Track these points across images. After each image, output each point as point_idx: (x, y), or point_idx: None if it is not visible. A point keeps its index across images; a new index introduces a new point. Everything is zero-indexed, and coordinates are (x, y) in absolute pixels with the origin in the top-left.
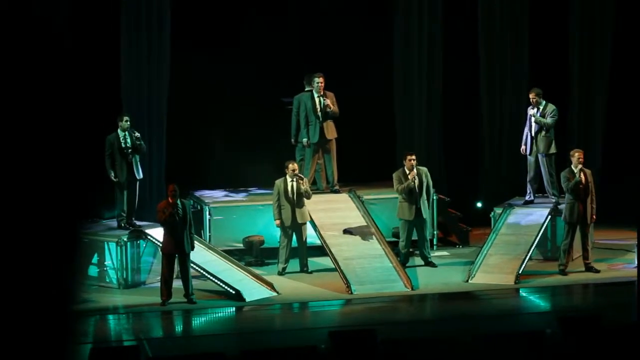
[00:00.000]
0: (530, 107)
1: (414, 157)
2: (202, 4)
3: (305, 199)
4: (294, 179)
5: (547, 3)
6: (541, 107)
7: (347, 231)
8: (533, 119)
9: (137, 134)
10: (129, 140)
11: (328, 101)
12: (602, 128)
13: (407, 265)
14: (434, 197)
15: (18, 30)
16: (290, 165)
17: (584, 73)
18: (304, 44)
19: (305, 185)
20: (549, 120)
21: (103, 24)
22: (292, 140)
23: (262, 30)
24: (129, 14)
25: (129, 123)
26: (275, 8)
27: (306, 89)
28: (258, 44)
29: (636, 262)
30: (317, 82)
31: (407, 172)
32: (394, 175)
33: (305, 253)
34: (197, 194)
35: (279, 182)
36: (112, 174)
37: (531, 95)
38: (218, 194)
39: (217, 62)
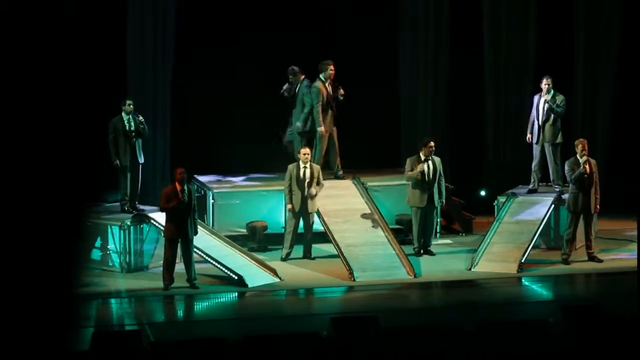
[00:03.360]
0: (541, 93)
1: (432, 143)
2: None
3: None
4: (307, 165)
5: None
6: (550, 96)
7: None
8: (546, 105)
9: (141, 118)
10: (132, 123)
11: (342, 90)
12: (606, 118)
13: (409, 253)
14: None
15: (28, 20)
16: (303, 150)
17: (589, 65)
18: (311, 40)
19: (316, 189)
20: (559, 109)
21: (109, 9)
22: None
23: (268, 25)
24: (135, 1)
25: (132, 107)
26: (281, 5)
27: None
28: (264, 38)
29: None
30: (330, 70)
31: (423, 159)
32: (408, 160)
33: (310, 240)
34: (201, 178)
35: (291, 166)
36: (117, 160)
37: (546, 81)
38: (221, 179)
39: (223, 48)
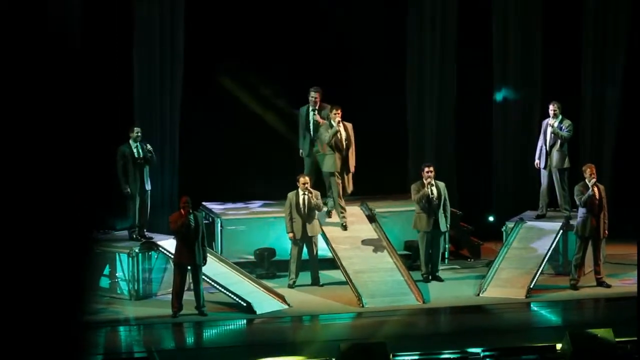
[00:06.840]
0: (549, 118)
1: (431, 168)
2: (216, 18)
3: (317, 211)
4: (305, 193)
5: (561, 16)
6: (557, 121)
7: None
8: (550, 129)
9: (149, 147)
10: (140, 151)
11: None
12: (613, 144)
13: (417, 279)
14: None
15: (31, 42)
16: (302, 179)
17: (597, 89)
18: (317, 54)
19: (316, 199)
20: (565, 133)
21: (117, 36)
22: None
23: (274, 41)
24: (142, 29)
25: (139, 134)
26: (287, 19)
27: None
28: (271, 54)
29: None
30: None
31: (425, 183)
32: (412, 186)
33: (316, 266)
34: (209, 205)
35: (291, 194)
36: (127, 188)
37: (553, 107)
38: (230, 207)
39: (231, 74)
